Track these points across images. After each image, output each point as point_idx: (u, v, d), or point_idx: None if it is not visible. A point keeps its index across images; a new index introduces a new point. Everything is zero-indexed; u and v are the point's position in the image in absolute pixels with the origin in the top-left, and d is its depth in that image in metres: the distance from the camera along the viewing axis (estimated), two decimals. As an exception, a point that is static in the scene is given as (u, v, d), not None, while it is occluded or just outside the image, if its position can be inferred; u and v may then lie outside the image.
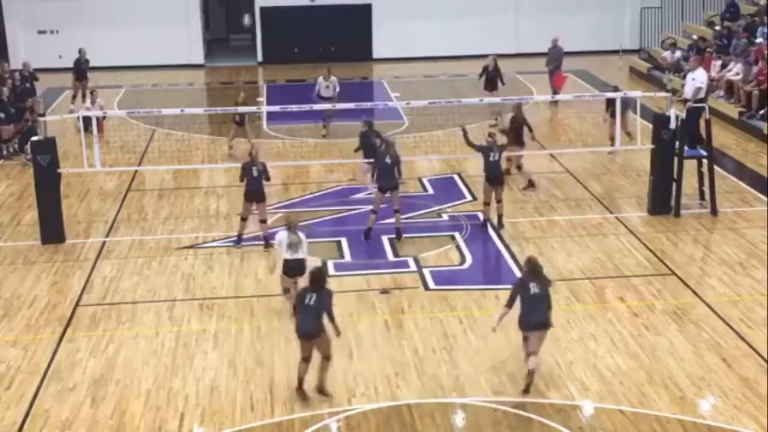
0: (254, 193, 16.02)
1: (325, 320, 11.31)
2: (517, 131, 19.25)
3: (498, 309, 12.49)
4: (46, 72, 28.24)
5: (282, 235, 13.53)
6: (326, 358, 11.46)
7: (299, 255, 13.38)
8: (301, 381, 11.45)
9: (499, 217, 16.94)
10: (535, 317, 11.32)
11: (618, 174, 20.09)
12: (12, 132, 22.53)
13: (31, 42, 32.79)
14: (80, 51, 27.46)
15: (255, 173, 15.94)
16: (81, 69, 27.23)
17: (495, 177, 16.75)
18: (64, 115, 24.15)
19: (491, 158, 16.68)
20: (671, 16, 33.98)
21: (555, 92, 25.58)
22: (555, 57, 27.06)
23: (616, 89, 21.12)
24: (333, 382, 11.83)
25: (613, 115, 19.55)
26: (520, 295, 11.40)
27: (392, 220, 16.91)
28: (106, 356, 12.72)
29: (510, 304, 11.52)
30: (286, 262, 13.46)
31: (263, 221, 16.23)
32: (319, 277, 11.39)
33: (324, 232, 17.09)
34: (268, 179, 16.21)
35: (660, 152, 17.44)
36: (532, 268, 11.56)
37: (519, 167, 19.38)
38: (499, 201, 16.87)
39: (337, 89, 23.75)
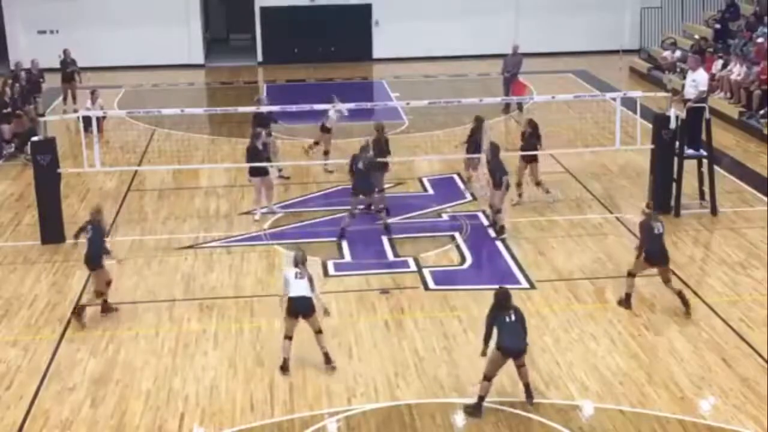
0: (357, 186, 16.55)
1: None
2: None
3: None
4: (45, 72, 28.17)
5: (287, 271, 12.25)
6: (523, 365, 11.27)
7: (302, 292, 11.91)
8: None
9: (680, 294, 13.68)
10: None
11: (618, 174, 20.07)
12: (12, 132, 22.52)
13: (31, 42, 32.74)
14: (65, 52, 26.98)
15: (359, 165, 16.47)
16: (65, 71, 26.79)
17: (660, 253, 13.58)
18: (64, 115, 24.21)
19: (656, 231, 13.52)
20: (671, 16, 33.96)
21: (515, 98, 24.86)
22: (513, 64, 26.13)
23: None
24: (333, 382, 11.85)
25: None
26: None
27: (392, 220, 16.96)
28: (106, 356, 12.72)
29: None
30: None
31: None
32: (508, 296, 11.28)
33: (324, 232, 17.08)
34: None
35: (660, 152, 17.45)
36: None
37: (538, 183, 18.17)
38: (667, 281, 13.68)
39: None
